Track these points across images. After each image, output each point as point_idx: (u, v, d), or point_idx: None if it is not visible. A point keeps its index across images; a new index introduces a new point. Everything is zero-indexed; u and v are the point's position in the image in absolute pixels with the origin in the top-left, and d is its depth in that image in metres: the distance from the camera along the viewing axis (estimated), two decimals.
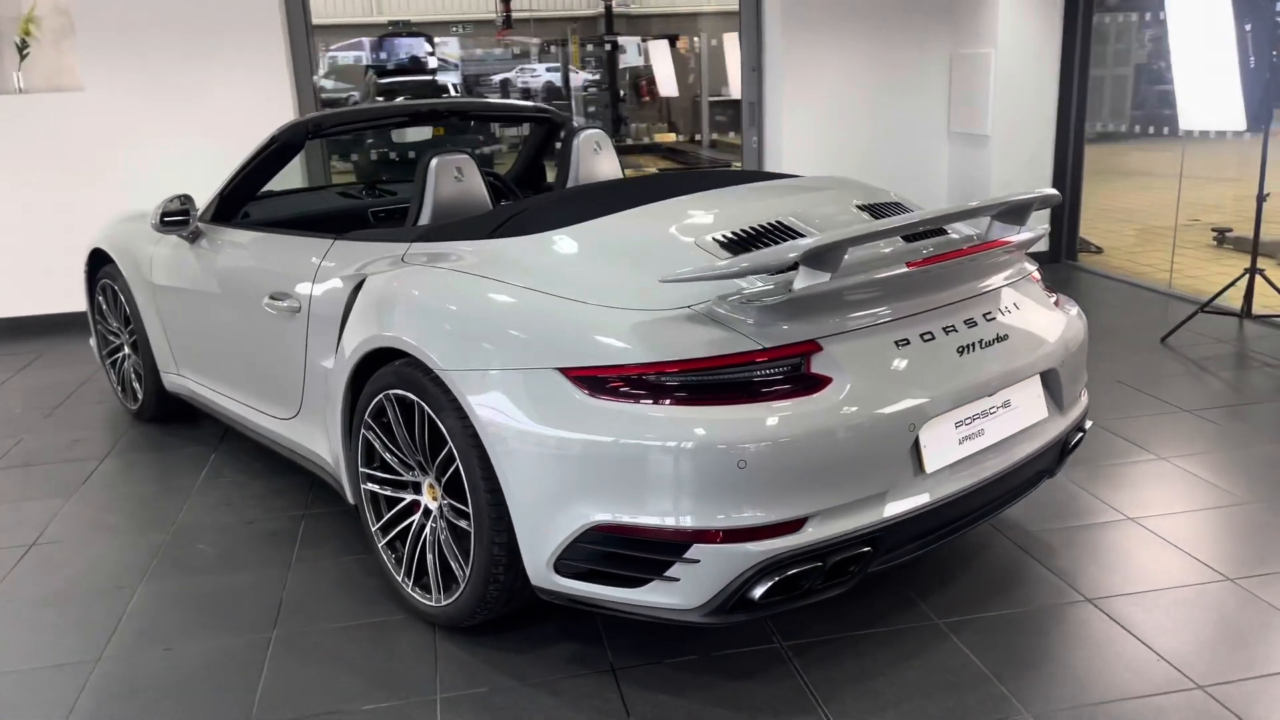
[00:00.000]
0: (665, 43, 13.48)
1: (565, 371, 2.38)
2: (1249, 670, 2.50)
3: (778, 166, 7.07)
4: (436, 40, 16.00)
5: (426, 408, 2.65)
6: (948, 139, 7.31)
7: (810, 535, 2.30)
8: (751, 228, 2.74)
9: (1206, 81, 4.92)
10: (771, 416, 2.26)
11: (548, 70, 15.05)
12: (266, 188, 4.17)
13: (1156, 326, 5.58)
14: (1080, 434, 3.00)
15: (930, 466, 2.46)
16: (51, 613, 3.05)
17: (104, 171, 6.37)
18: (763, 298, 2.36)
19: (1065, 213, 7.23)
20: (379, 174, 8.72)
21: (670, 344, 2.34)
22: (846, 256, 2.37)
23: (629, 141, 14.28)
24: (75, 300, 6.24)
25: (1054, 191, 2.86)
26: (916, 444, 2.42)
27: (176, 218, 3.87)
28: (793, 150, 7.06)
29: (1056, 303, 3.00)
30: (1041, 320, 2.84)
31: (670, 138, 15.22)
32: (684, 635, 2.73)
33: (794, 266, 2.34)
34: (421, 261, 2.90)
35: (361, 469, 2.97)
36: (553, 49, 15.15)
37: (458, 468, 2.59)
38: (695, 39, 15.18)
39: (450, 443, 2.59)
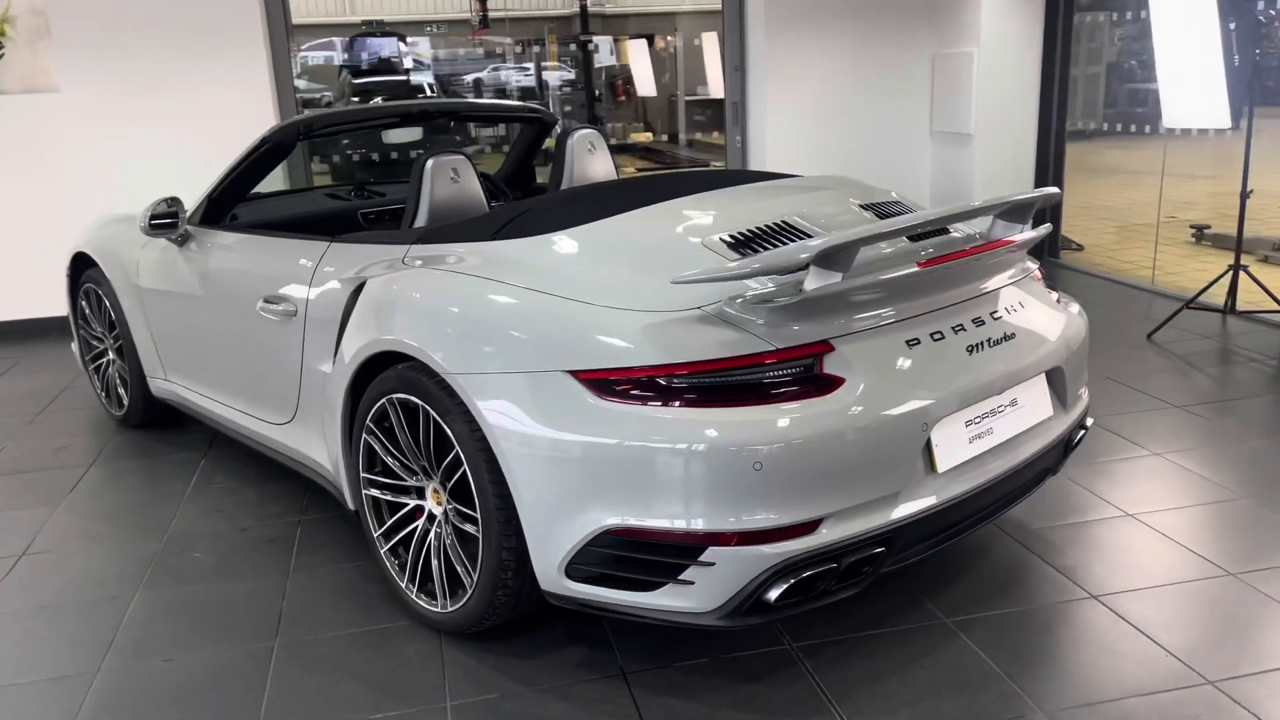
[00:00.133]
0: (643, 42, 13.46)
1: (576, 374, 2.36)
2: (1258, 665, 2.52)
3: (761, 166, 7.07)
4: (411, 40, 15.91)
5: (432, 412, 2.62)
6: (930, 138, 7.34)
7: (825, 536, 2.29)
8: (757, 228, 2.73)
9: (1191, 80, 4.96)
10: (786, 417, 2.25)
11: (522, 70, 15.01)
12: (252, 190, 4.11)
13: (1142, 323, 5.63)
14: (1082, 431, 3.01)
15: (942, 466, 2.46)
16: (45, 624, 3.00)
17: (81, 174, 6.28)
18: (774, 298, 2.34)
19: (1047, 210, 7.26)
20: (357, 175, 8.64)
21: (682, 345, 2.32)
22: (857, 256, 2.37)
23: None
24: (53, 304, 6.12)
25: (1055, 190, 2.87)
26: (929, 444, 2.42)
27: (165, 220, 3.81)
28: (776, 150, 7.06)
29: (1058, 301, 3.01)
30: (1046, 318, 2.85)
31: (647, 137, 15.21)
32: (692, 638, 2.71)
33: (804, 267, 2.32)
34: (423, 264, 2.86)
35: (363, 474, 2.93)
36: (529, 48, 15.10)
37: (464, 472, 2.56)
38: (669, 38, 15.18)
39: (457, 447, 2.56)
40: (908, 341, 2.47)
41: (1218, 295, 5.52)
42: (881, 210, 3.02)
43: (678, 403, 2.28)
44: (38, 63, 6.11)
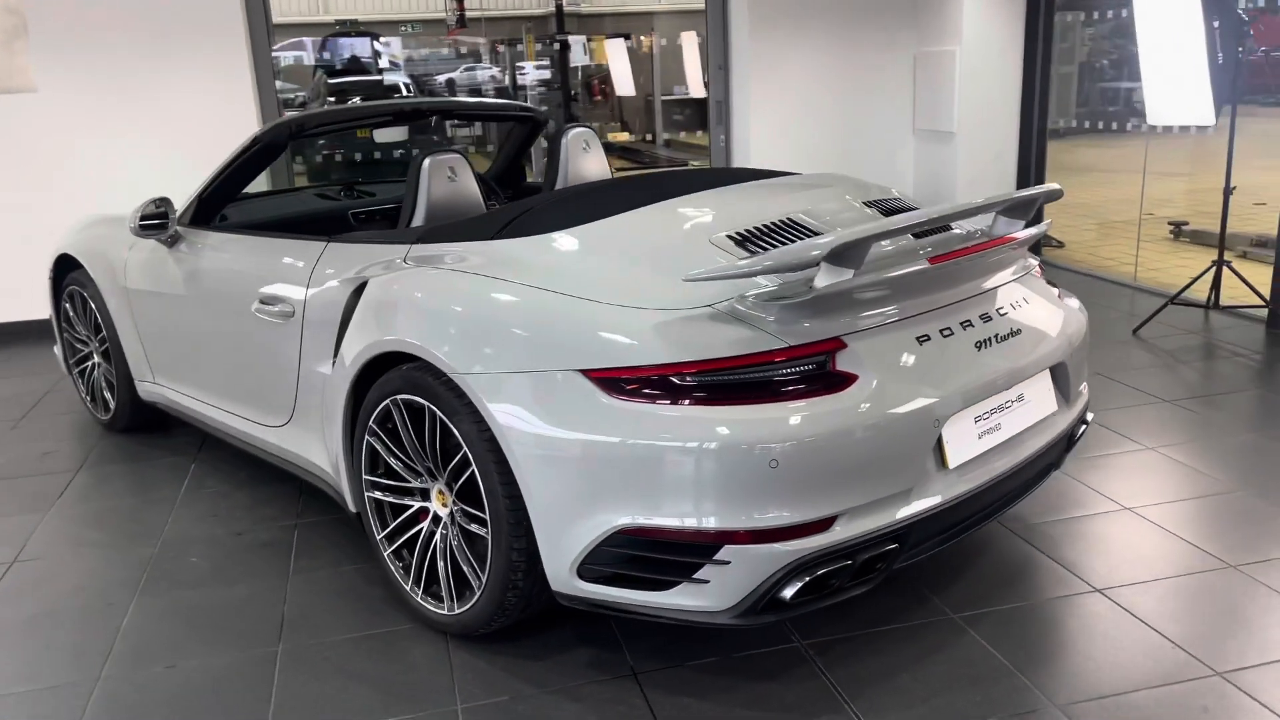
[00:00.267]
0: (621, 41, 13.44)
1: (587, 373, 2.34)
2: (1264, 655, 2.54)
3: (746, 165, 7.08)
4: (385, 40, 15.82)
5: (439, 412, 2.59)
6: (913, 136, 7.38)
7: (839, 534, 2.29)
8: (762, 225, 2.73)
9: (1175, 78, 5.00)
10: (801, 415, 2.24)
11: (499, 70, 14.97)
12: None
13: (1127, 318, 5.68)
14: (1084, 426, 3.03)
15: (953, 462, 2.46)
16: (41, 632, 2.94)
17: (60, 175, 6.19)
18: (787, 295, 2.34)
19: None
20: (334, 176, 8.56)
21: (695, 343, 2.31)
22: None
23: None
24: (31, 307, 6.06)
25: (1057, 186, 2.89)
26: (940, 440, 2.42)
27: (155, 221, 3.75)
28: (760, 149, 7.07)
29: (1059, 296, 3.03)
30: (1049, 314, 2.87)
31: (624, 137, 15.20)
32: (702, 637, 2.70)
33: (816, 263, 2.32)
34: (426, 264, 2.84)
35: (365, 476, 2.90)
36: (504, 48, 15.06)
37: (473, 473, 2.54)
38: (643, 38, 15.18)
39: (465, 448, 2.53)
40: (918, 338, 2.47)
41: (1200, 291, 5.58)
42: (884, 207, 3.03)
43: (692, 401, 2.27)
44: (15, 63, 6.02)
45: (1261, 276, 5.43)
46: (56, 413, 4.89)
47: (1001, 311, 2.69)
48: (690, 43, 11.71)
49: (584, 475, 2.34)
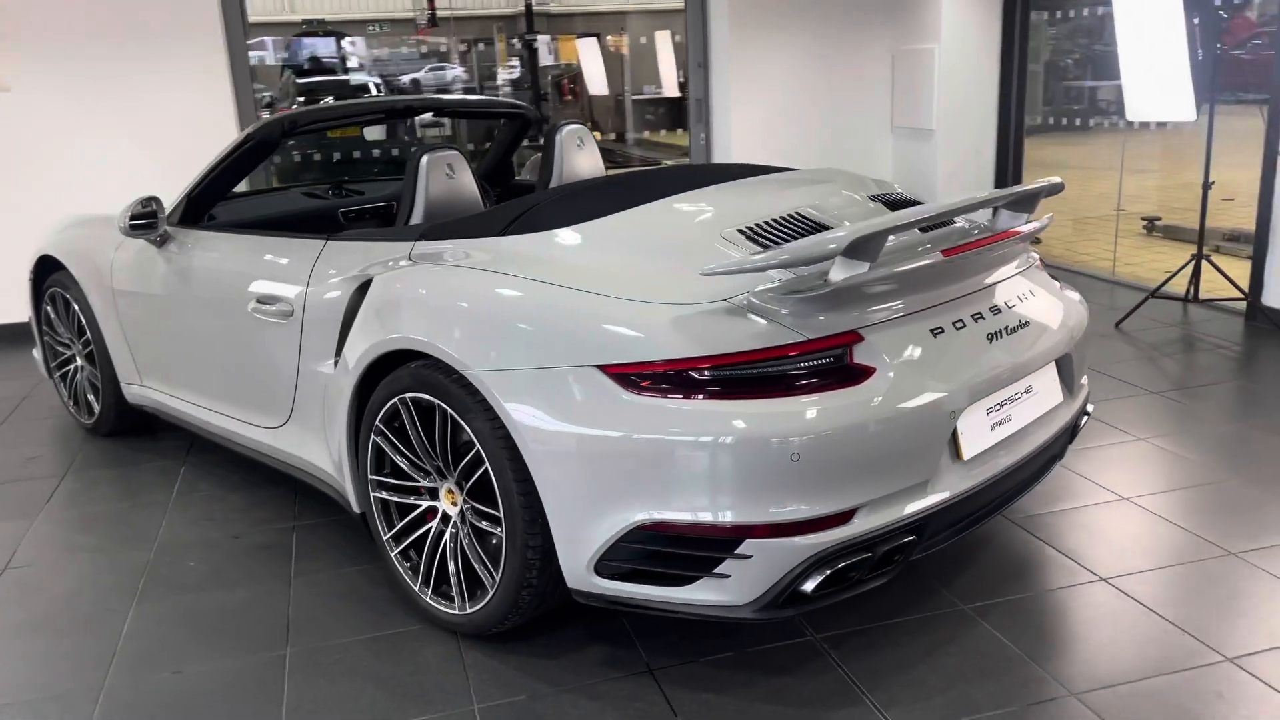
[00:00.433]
0: (593, 41, 13.43)
1: (605, 369, 2.33)
2: (1272, 640, 2.58)
3: (729, 162, 7.08)
4: (352, 39, 15.68)
5: (450, 410, 2.57)
6: (891, 133, 7.42)
7: (859, 526, 2.29)
8: (772, 219, 2.73)
9: (1155, 74, 5.07)
10: (822, 408, 2.25)
11: (465, 70, 14.91)
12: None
13: (1109, 312, 5.74)
14: (1085, 417, 3.06)
15: (967, 453, 2.48)
16: (41, 640, 2.88)
17: (34, 176, 6.07)
18: (804, 289, 2.34)
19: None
20: (301, 176, 8.44)
21: (713, 338, 2.30)
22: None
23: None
24: (3, 310, 5.95)
25: (1059, 179, 2.91)
26: (955, 432, 2.44)
27: (144, 221, 3.69)
28: (740, 146, 7.09)
29: (1061, 289, 3.06)
30: (1054, 306, 2.89)
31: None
32: (715, 633, 2.70)
33: (832, 256, 2.32)
34: (432, 261, 2.81)
35: (371, 476, 2.87)
36: (474, 47, 14.99)
37: (485, 471, 2.52)
38: (610, 37, 15.17)
39: (479, 446, 2.51)
40: (931, 331, 2.48)
41: (1178, 285, 5.66)
42: (889, 201, 3.04)
43: (712, 396, 2.26)
44: None
45: (1235, 271, 5.52)
46: (37, 417, 4.80)
47: (1009, 304, 2.71)
48: (665, 42, 11.70)
49: (602, 471, 2.33)
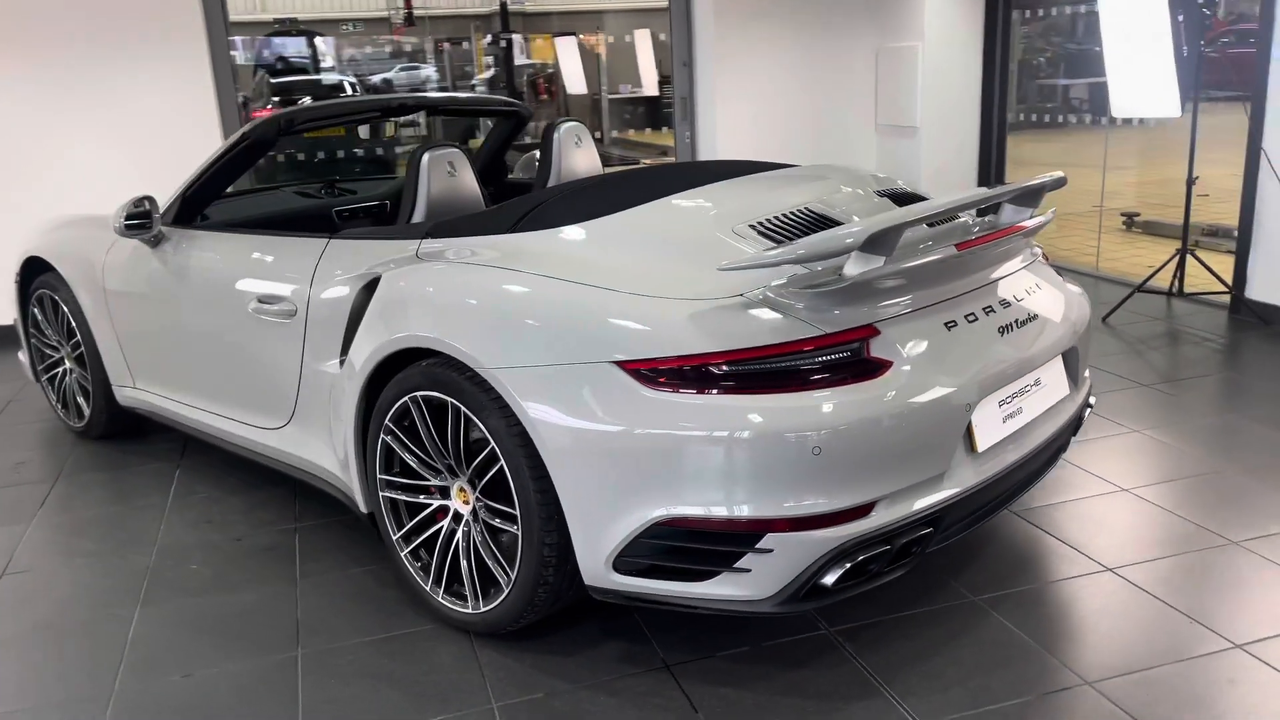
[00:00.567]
0: (571, 39, 13.41)
1: (623, 365, 2.33)
2: (1279, 627, 2.62)
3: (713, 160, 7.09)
4: (325, 38, 15.58)
5: (463, 408, 2.56)
6: (875, 131, 7.46)
7: (878, 519, 2.30)
8: (782, 215, 2.74)
9: (1141, 71, 5.13)
10: (841, 402, 2.26)
11: (436, 70, 14.87)
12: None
13: (1095, 307, 5.76)
14: (1088, 409, 3.09)
15: (981, 445, 2.49)
16: (44, 645, 2.84)
17: (15, 177, 5.98)
18: (820, 283, 2.34)
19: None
20: (280, 176, 8.38)
21: (731, 332, 2.31)
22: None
23: (528, 140, 14.18)
24: None
25: (1061, 174, 2.94)
26: (970, 424, 2.45)
27: (139, 221, 3.64)
28: (725, 144, 7.10)
29: (1064, 283, 3.09)
30: (1060, 300, 2.92)
31: None
32: (730, 628, 2.71)
33: (849, 251, 2.33)
34: (440, 258, 2.80)
35: (380, 476, 2.85)
36: (449, 46, 14.94)
37: (500, 469, 2.51)
38: (583, 36, 15.15)
39: (493, 443, 2.50)
40: (945, 324, 2.50)
41: (1163, 279, 5.73)
42: (894, 195, 3.06)
43: (730, 390, 2.27)
44: None
45: (1216, 265, 5.59)
46: (24, 421, 4.73)
47: (1018, 298, 2.74)
48: (644, 40, 11.70)
49: (621, 468, 2.33)
